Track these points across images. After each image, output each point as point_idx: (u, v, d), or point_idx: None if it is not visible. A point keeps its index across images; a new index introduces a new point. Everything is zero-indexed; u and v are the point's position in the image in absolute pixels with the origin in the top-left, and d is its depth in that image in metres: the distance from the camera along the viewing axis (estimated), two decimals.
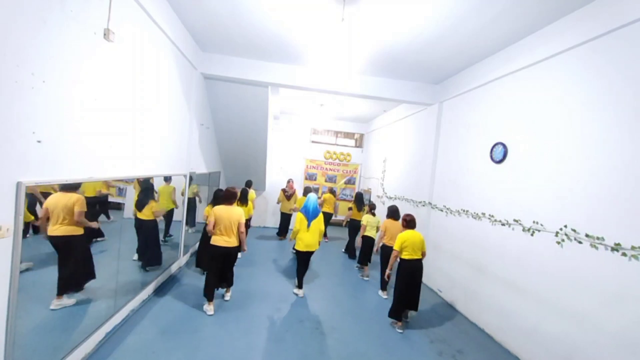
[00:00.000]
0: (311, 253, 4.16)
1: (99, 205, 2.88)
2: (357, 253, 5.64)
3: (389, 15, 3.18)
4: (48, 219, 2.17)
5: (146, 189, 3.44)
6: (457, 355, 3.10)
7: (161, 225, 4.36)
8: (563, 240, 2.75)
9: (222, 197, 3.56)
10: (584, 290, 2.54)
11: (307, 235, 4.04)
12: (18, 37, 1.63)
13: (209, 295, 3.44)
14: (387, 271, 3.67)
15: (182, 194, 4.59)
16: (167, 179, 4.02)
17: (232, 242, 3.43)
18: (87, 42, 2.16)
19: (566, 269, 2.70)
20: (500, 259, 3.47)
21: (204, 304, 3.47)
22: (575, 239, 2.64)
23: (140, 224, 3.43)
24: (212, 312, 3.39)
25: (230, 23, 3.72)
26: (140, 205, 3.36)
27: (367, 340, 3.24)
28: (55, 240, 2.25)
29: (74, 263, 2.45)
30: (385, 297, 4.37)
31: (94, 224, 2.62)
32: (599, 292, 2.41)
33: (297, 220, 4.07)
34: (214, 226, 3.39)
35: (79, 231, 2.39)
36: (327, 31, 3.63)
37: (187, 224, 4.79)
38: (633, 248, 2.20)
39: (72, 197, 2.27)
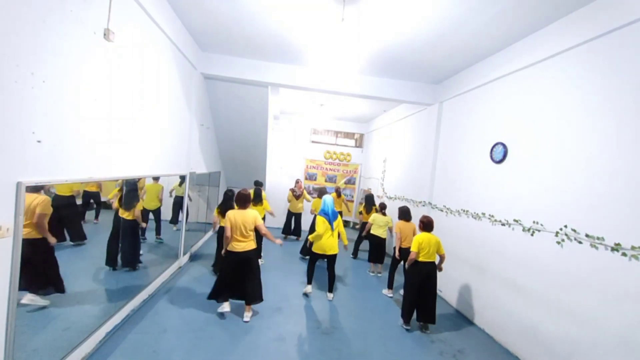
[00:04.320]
0: (334, 256, 4.08)
1: (88, 204, 2.84)
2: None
3: (389, 15, 3.18)
4: None
5: (133, 189, 3.28)
6: (458, 355, 3.10)
7: (153, 225, 4.34)
8: (563, 240, 2.75)
9: (235, 200, 3.42)
10: (584, 290, 2.53)
11: (331, 238, 3.99)
12: (18, 37, 1.63)
13: (219, 297, 3.32)
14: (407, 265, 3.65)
15: (170, 194, 4.59)
16: (156, 178, 3.93)
17: (248, 246, 3.31)
18: (87, 42, 2.16)
19: (566, 269, 2.70)
20: (501, 259, 3.47)
21: (219, 307, 3.34)
22: (575, 239, 2.64)
23: (120, 223, 3.21)
24: (228, 309, 3.32)
25: (230, 23, 3.71)
26: (128, 205, 3.20)
27: (368, 340, 3.24)
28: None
29: (33, 267, 2.08)
30: (391, 295, 4.41)
31: (51, 240, 2.20)
32: (599, 292, 2.41)
33: (319, 223, 4.00)
34: (231, 232, 3.26)
35: (37, 235, 2.09)
36: (327, 31, 3.63)
37: (172, 222, 4.77)
38: (633, 248, 2.20)
39: (37, 198, 2.03)
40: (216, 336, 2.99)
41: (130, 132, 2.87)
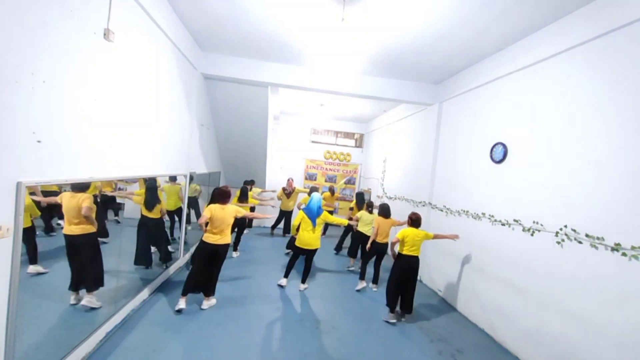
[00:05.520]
0: (313, 251, 4.23)
1: (107, 205, 2.95)
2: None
3: (389, 15, 3.18)
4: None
5: (153, 188, 3.53)
6: (457, 355, 3.10)
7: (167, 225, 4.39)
8: (563, 240, 2.75)
9: (216, 196, 3.57)
10: (584, 291, 2.53)
11: (311, 234, 4.12)
12: (18, 37, 1.63)
13: (186, 289, 3.33)
14: (391, 251, 3.82)
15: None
16: (173, 179, 4.11)
17: (222, 240, 3.45)
18: (87, 42, 2.16)
19: (566, 269, 2.70)
20: (500, 259, 3.47)
21: (176, 305, 3.30)
22: (575, 239, 2.64)
23: (146, 222, 3.54)
24: (183, 306, 3.27)
25: (230, 23, 3.72)
26: (150, 205, 3.48)
27: (367, 339, 3.24)
28: (70, 239, 2.41)
29: (87, 261, 2.58)
30: (359, 288, 4.53)
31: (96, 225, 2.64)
32: (599, 292, 2.41)
33: (298, 217, 4.18)
34: (206, 223, 3.39)
35: (92, 229, 2.50)
36: (327, 31, 3.63)
37: (188, 222, 4.80)
38: (633, 248, 2.20)
39: (81, 196, 2.40)
40: (215, 335, 2.99)
41: (130, 132, 2.87)
